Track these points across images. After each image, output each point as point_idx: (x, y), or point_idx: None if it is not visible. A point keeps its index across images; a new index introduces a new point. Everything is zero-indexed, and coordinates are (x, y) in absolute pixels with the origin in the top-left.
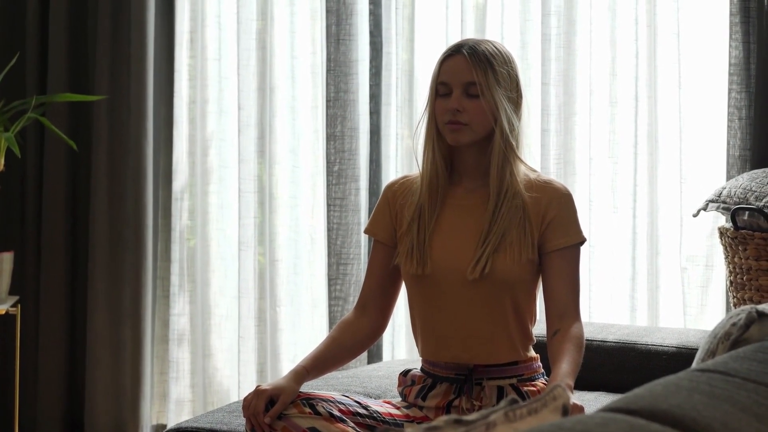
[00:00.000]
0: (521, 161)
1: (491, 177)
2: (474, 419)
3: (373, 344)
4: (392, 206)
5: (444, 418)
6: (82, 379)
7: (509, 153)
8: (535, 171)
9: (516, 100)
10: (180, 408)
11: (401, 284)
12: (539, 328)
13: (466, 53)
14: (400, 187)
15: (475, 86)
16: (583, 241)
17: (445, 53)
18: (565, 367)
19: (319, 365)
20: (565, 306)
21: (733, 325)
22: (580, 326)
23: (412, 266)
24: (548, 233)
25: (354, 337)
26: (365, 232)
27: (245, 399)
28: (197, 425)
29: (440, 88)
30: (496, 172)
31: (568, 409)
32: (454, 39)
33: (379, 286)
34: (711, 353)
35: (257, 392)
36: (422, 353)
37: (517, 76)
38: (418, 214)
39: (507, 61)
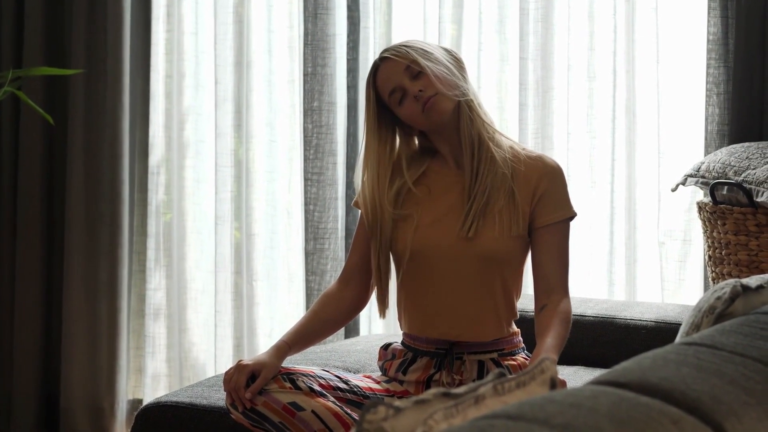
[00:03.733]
0: (493, 128)
1: (461, 132)
2: (463, 392)
3: (355, 317)
4: None
5: (433, 391)
6: (58, 354)
7: (477, 101)
8: (524, 147)
9: (451, 58)
10: (156, 383)
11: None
12: (523, 302)
13: (386, 56)
14: None
15: (413, 66)
16: (573, 215)
17: (370, 73)
18: (550, 342)
19: (301, 340)
20: (554, 282)
21: (718, 298)
22: (568, 302)
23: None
24: (539, 208)
25: (336, 311)
26: (354, 204)
27: (226, 373)
28: (177, 399)
29: (392, 99)
30: (465, 127)
31: (555, 383)
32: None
33: (364, 259)
34: (695, 327)
35: (239, 367)
36: (408, 329)
37: (438, 46)
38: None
39: (420, 41)
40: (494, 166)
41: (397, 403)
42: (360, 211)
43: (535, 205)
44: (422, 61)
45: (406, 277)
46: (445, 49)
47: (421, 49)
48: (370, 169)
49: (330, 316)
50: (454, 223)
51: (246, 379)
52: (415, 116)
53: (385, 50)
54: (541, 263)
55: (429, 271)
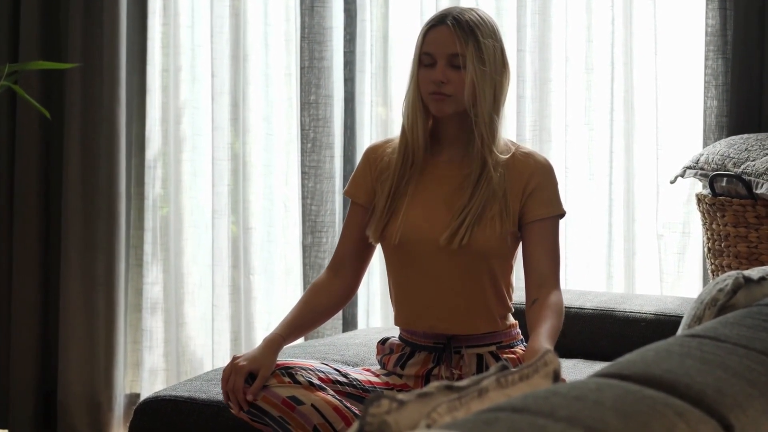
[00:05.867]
0: (499, 158)
1: (475, 150)
2: (466, 385)
3: (345, 305)
4: (373, 168)
5: (436, 384)
6: (56, 348)
7: (493, 127)
8: (514, 143)
9: (501, 71)
10: (153, 377)
11: (376, 246)
12: (518, 295)
13: (450, 24)
14: (382, 150)
15: (458, 58)
16: (562, 213)
17: (429, 23)
18: (544, 333)
19: (294, 331)
20: (544, 276)
21: (720, 290)
22: (559, 294)
23: (375, 233)
24: (529, 204)
25: (327, 300)
26: (345, 194)
27: (224, 371)
28: (176, 393)
29: (424, 58)
30: (480, 147)
31: (558, 375)
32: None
33: (354, 247)
34: (697, 319)
35: (235, 369)
36: (396, 321)
37: (502, 47)
38: (390, 182)
39: (492, 33)
40: (495, 180)
41: (401, 396)
42: (350, 200)
43: (525, 201)
44: (471, 63)
45: (393, 267)
46: (503, 56)
47: (482, 45)
48: (409, 117)
49: (320, 306)
50: (443, 217)
51: (244, 380)
52: (423, 88)
53: (456, 18)
54: (531, 257)
55: (415, 262)
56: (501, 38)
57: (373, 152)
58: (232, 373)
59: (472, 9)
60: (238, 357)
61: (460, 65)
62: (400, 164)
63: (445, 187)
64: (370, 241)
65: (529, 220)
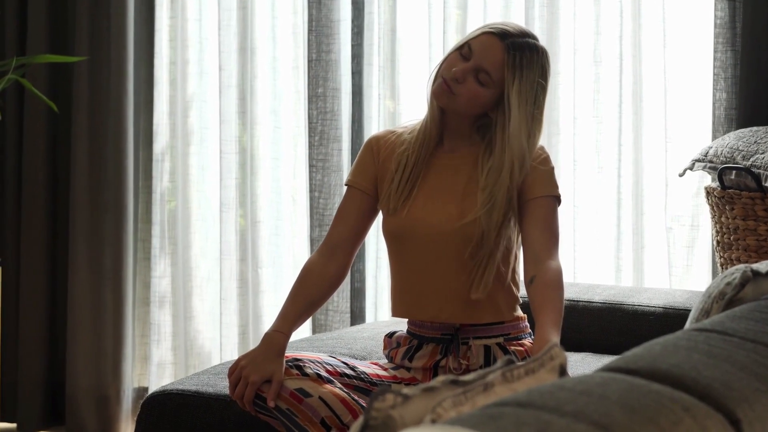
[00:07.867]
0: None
1: (486, 191)
2: (471, 380)
3: (334, 292)
4: (376, 156)
5: (441, 378)
6: (64, 342)
7: (524, 168)
8: None
9: (539, 111)
10: (161, 371)
11: (370, 228)
12: (522, 290)
13: (506, 47)
14: (385, 140)
15: (487, 76)
16: (557, 195)
17: (490, 27)
18: (549, 322)
19: (293, 325)
20: (540, 250)
21: (728, 284)
22: (556, 264)
23: (395, 204)
24: (525, 185)
25: (320, 289)
26: (347, 183)
27: (231, 378)
28: (183, 387)
29: (464, 48)
30: (508, 183)
31: (565, 369)
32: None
33: (351, 231)
34: (705, 313)
35: (247, 382)
36: (394, 312)
37: (544, 93)
38: (414, 156)
39: (540, 75)
40: (510, 224)
41: (406, 390)
42: (347, 186)
43: (522, 184)
44: (513, 97)
45: (395, 254)
46: (543, 101)
47: (524, 83)
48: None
49: (314, 296)
50: (444, 205)
51: (255, 392)
52: (444, 69)
53: (515, 46)
54: (527, 234)
55: (416, 251)
56: (546, 83)
57: (375, 141)
58: (241, 385)
59: (534, 45)
60: (244, 360)
61: (484, 82)
62: (421, 141)
63: (447, 177)
64: (382, 209)
65: (524, 200)
